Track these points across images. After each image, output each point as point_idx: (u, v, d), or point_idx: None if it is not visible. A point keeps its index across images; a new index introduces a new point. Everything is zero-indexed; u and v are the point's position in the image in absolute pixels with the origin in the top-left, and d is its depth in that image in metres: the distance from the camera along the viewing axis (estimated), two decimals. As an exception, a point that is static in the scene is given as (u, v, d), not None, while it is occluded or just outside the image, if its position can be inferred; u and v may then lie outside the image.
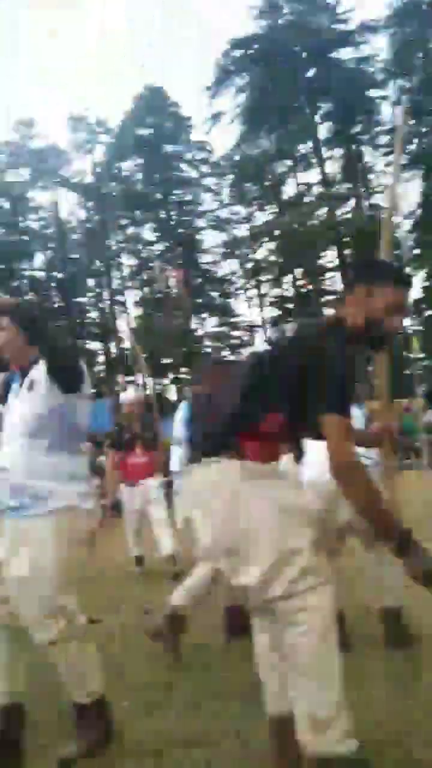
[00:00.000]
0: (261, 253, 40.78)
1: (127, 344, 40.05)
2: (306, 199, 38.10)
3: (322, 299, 34.19)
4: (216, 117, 38.96)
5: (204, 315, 42.24)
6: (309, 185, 39.12)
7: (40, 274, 42.42)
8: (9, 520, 2.42)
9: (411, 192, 33.12)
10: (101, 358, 42.64)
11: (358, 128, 37.96)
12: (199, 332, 41.54)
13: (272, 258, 39.87)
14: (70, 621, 2.38)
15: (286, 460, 3.52)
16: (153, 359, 38.19)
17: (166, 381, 40.84)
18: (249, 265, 41.45)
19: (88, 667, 2.45)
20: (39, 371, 2.49)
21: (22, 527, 2.38)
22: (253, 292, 41.58)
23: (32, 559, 2.35)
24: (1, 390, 2.67)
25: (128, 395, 6.11)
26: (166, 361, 38.47)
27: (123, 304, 44.25)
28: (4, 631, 2.47)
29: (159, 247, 43.66)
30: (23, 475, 2.39)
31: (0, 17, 58.88)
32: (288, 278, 39.30)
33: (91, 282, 44.52)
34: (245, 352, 34.55)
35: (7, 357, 2.61)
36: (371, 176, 37.82)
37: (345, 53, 36.71)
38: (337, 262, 36.31)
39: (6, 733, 2.43)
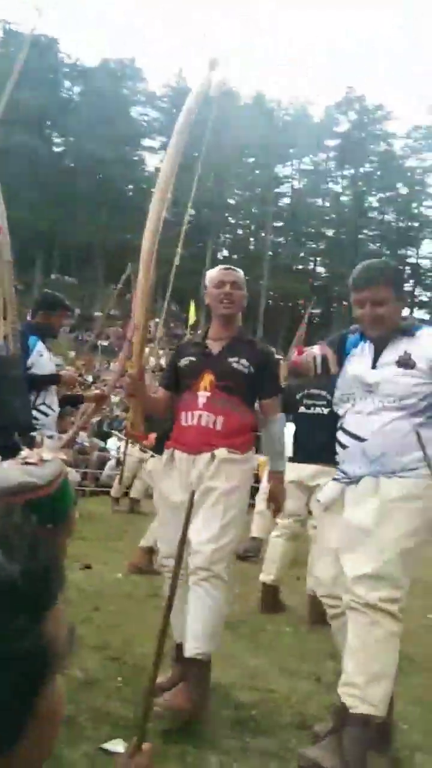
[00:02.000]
0: None
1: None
2: None
3: None
4: None
5: None
6: None
7: (425, 262, 40.94)
8: (366, 477, 2.21)
9: None
10: None
11: None
12: None
13: None
14: (398, 597, 2.06)
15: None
16: None
17: None
18: None
19: (391, 664, 2.03)
20: (419, 346, 2.25)
21: (381, 482, 2.17)
22: None
23: (382, 510, 2.11)
24: (335, 353, 2.46)
25: None
26: None
27: None
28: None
29: None
30: (389, 448, 2.18)
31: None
32: None
33: None
34: None
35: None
36: None
37: None
38: None
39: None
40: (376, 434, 2.21)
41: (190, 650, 2.31)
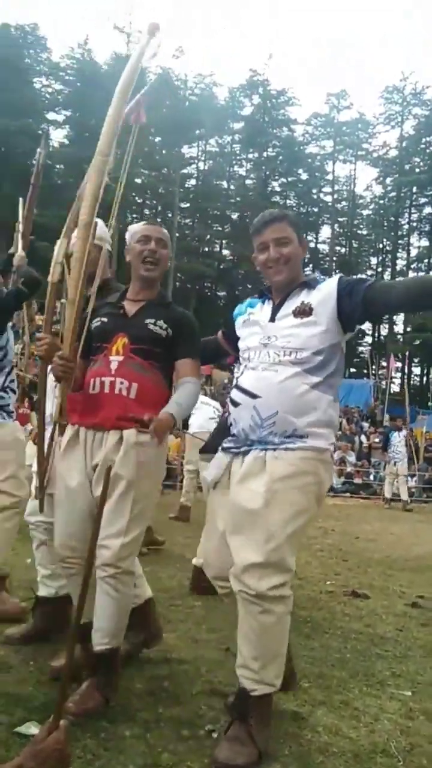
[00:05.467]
0: None
1: (397, 328, 37.96)
2: None
3: None
4: None
5: None
6: None
7: (323, 248, 42.35)
8: (252, 453, 2.09)
9: None
10: (368, 339, 41.33)
11: None
12: None
13: None
14: (287, 581, 2.00)
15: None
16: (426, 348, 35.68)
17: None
18: None
19: (284, 643, 2.05)
20: (319, 292, 2.15)
21: (268, 459, 2.05)
22: None
23: (270, 492, 1.99)
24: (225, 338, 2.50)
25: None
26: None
27: (404, 286, 42.03)
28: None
29: (455, 229, 40.15)
30: (283, 407, 2.05)
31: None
32: None
33: (374, 260, 43.15)
34: None
35: None
36: None
37: None
38: None
39: None
40: (269, 390, 2.06)
41: (98, 645, 2.22)
